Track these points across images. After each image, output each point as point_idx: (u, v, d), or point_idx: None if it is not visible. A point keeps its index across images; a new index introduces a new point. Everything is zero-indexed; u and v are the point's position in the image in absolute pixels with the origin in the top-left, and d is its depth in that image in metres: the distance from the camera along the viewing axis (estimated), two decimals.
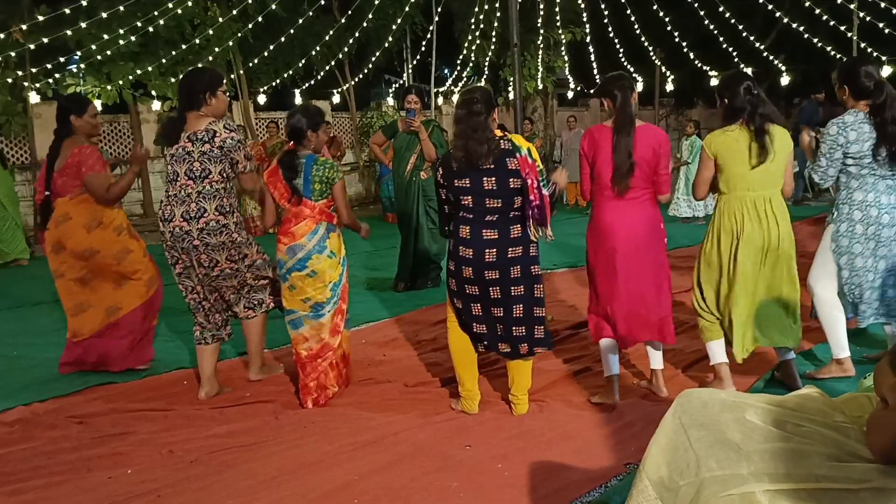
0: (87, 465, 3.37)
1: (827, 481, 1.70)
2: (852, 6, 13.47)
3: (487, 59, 16.22)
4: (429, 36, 15.33)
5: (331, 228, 4.02)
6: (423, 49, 16.13)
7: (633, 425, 3.55)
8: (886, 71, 12.38)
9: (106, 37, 11.72)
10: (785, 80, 13.91)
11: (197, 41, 12.94)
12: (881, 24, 13.17)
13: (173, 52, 12.64)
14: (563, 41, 16.41)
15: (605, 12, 14.87)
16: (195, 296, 4.17)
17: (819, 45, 13.73)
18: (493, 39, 15.65)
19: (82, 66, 12.52)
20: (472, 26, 15.44)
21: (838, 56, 14.09)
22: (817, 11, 13.54)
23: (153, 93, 13.33)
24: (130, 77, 12.72)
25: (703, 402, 1.94)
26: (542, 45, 16.25)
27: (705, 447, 1.82)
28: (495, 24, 15.22)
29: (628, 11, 14.63)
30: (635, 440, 3.31)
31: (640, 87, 15.34)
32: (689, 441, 1.85)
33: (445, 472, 3.15)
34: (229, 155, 3.97)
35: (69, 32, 11.36)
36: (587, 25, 15.76)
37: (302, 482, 3.12)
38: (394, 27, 15.19)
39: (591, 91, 3.99)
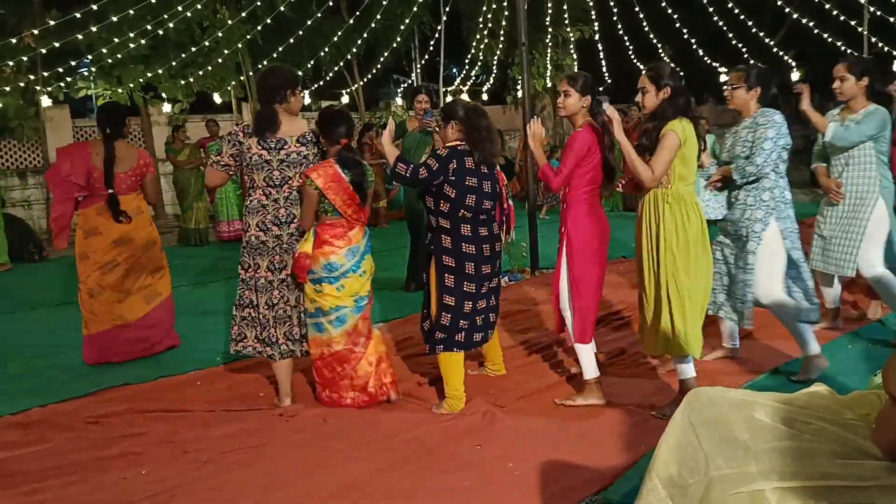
0: (102, 466, 3.41)
1: (835, 479, 1.71)
2: (862, 1, 13.39)
3: (496, 57, 16.22)
4: (437, 35, 15.35)
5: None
6: (431, 48, 16.16)
7: (643, 424, 3.56)
8: None
9: (116, 40, 11.81)
10: (795, 76, 13.84)
11: (206, 43, 13.01)
12: (892, 19, 13.09)
13: (183, 55, 12.72)
14: (572, 39, 16.39)
15: (614, 10, 14.85)
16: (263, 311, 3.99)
17: (829, 40, 13.65)
18: (502, 38, 15.66)
19: (93, 69, 12.61)
20: (480, 25, 15.45)
21: (849, 52, 14.02)
22: (827, 7, 13.46)
23: (163, 95, 13.42)
24: (141, 80, 12.81)
25: (712, 400, 1.94)
26: (550, 44, 16.24)
27: (714, 445, 1.83)
28: (503, 23, 15.23)
29: (637, 9, 14.60)
30: (645, 439, 3.32)
31: None
32: (698, 439, 1.86)
33: (455, 472, 3.16)
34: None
35: (80, 36, 11.45)
36: (596, 23, 15.74)
37: (312, 481, 3.15)
38: (402, 27, 15.24)
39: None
